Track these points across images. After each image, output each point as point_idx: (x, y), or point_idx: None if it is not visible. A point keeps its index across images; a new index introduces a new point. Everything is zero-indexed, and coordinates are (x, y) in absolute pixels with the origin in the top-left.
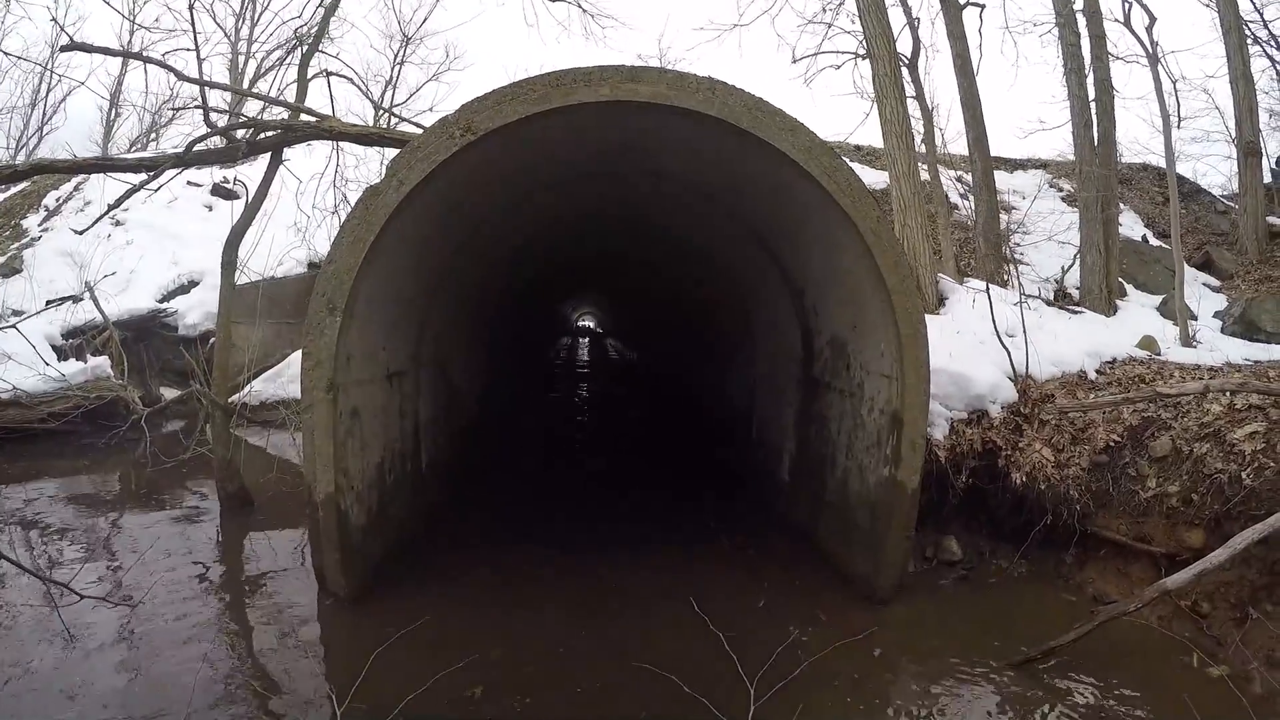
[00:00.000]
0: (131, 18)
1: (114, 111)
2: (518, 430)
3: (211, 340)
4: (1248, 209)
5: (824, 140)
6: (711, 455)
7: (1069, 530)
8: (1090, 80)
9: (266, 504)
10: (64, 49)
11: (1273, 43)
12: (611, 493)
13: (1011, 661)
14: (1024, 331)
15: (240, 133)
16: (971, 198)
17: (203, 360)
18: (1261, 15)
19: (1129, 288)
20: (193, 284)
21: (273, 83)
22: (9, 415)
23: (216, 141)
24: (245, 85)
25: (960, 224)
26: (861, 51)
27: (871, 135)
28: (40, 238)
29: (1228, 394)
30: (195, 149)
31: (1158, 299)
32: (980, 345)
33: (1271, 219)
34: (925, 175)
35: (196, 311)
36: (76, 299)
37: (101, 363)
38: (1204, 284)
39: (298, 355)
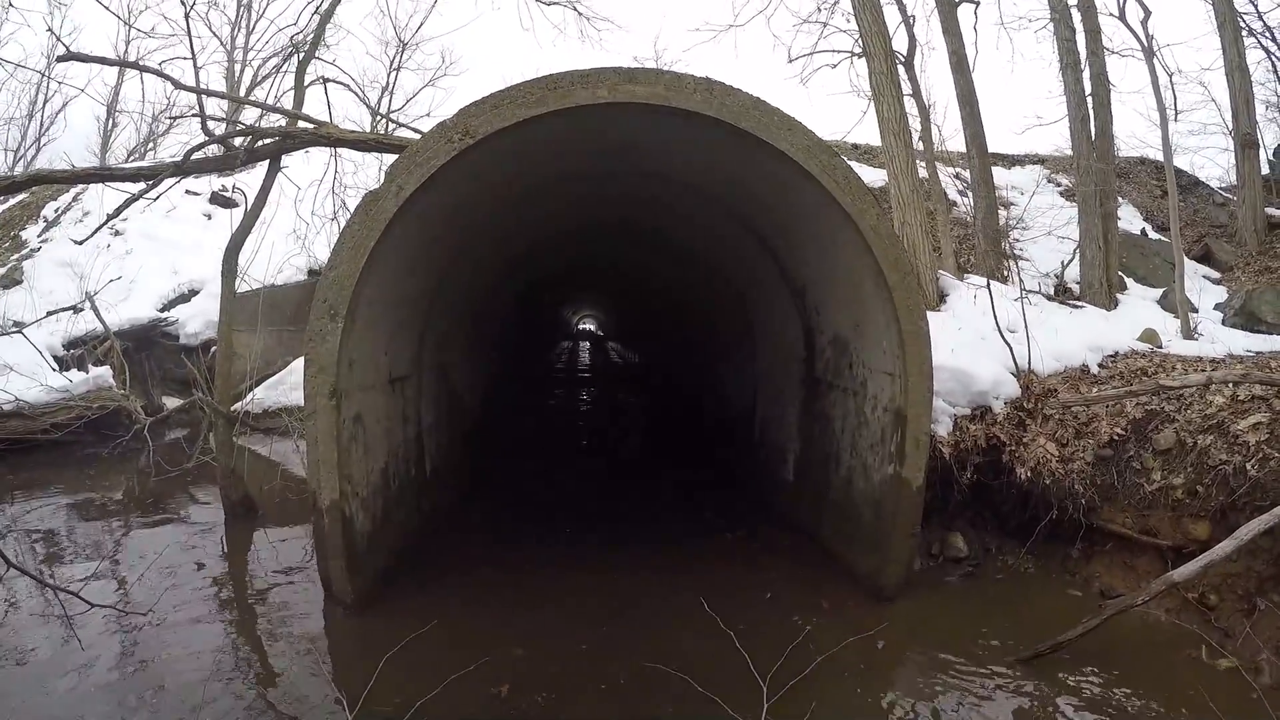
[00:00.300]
0: (129, 21)
1: (111, 121)
2: (520, 433)
3: (213, 348)
4: (1246, 201)
5: (822, 139)
6: (714, 456)
7: (1074, 525)
8: (1086, 75)
9: (271, 511)
10: (60, 59)
11: (1268, 35)
12: (615, 495)
13: (1020, 657)
14: (1025, 327)
15: (238, 140)
16: (970, 194)
17: (204, 368)
18: (1256, 7)
19: (1129, 281)
20: (193, 293)
21: (269, 90)
22: (12, 426)
23: (214, 150)
24: (242, 93)
25: (959, 221)
26: (857, 50)
27: (869, 133)
28: (40, 249)
29: (1230, 386)
30: (193, 157)
31: (1158, 292)
32: (982, 341)
33: (1270, 210)
34: (923, 172)
35: (197, 320)
36: (77, 309)
37: (103, 373)
38: (1204, 276)
39: (299, 362)
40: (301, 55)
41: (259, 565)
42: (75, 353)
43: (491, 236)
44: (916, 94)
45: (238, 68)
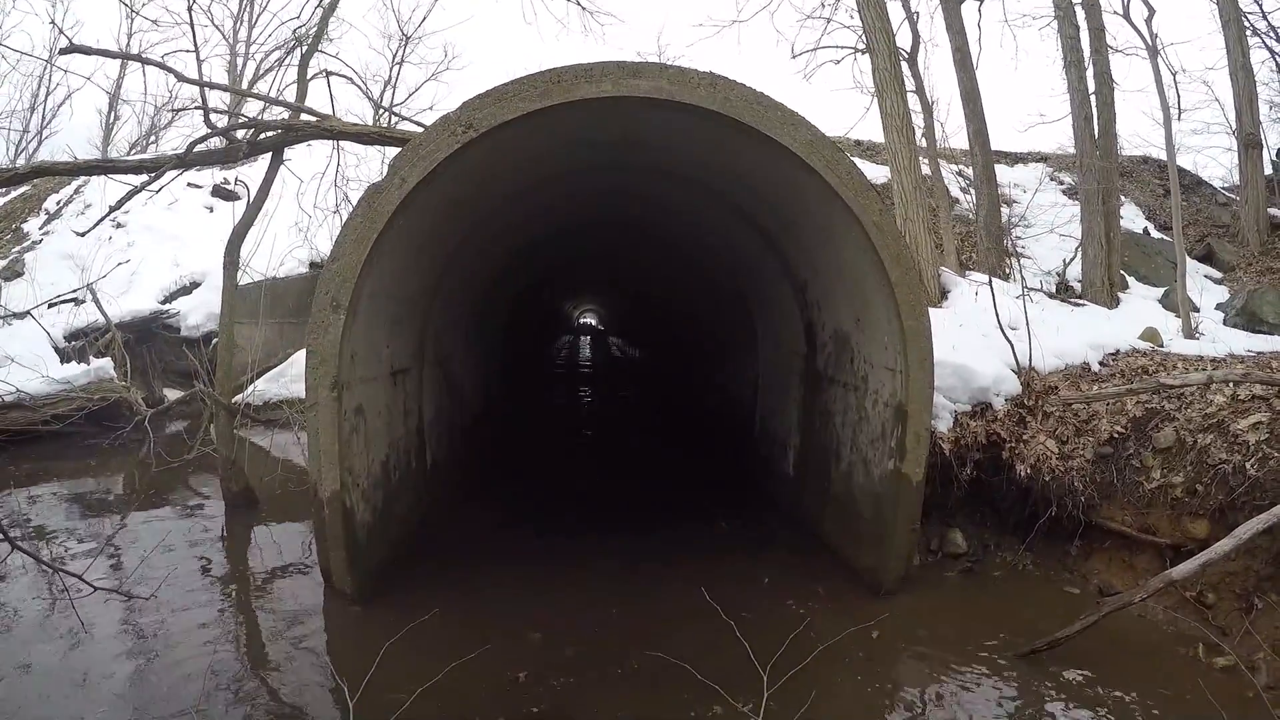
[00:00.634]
0: (132, 9)
1: (113, 114)
2: (521, 426)
3: (214, 341)
4: (1249, 201)
5: (825, 134)
6: (715, 450)
7: (1074, 522)
8: (1090, 73)
9: (271, 503)
10: (63, 51)
11: (1272, 34)
12: (615, 488)
13: (1018, 653)
14: (1027, 324)
15: (241, 133)
16: (972, 191)
17: (206, 361)
18: (1261, 7)
19: (1131, 280)
20: (194, 285)
21: (272, 83)
22: (13, 418)
23: (217, 142)
24: (244, 86)
25: (961, 218)
26: (861, 46)
27: (872, 130)
28: (41, 241)
29: (1231, 385)
30: (196, 150)
31: (1160, 291)
32: (983, 338)
33: (1273, 210)
34: (926, 169)
35: (199, 312)
36: (78, 301)
37: (104, 364)
38: (1205, 276)
39: (301, 355)
40: (304, 48)
41: (259, 556)
42: (76, 344)
43: (494, 230)
44: (920, 90)
45: (240, 61)
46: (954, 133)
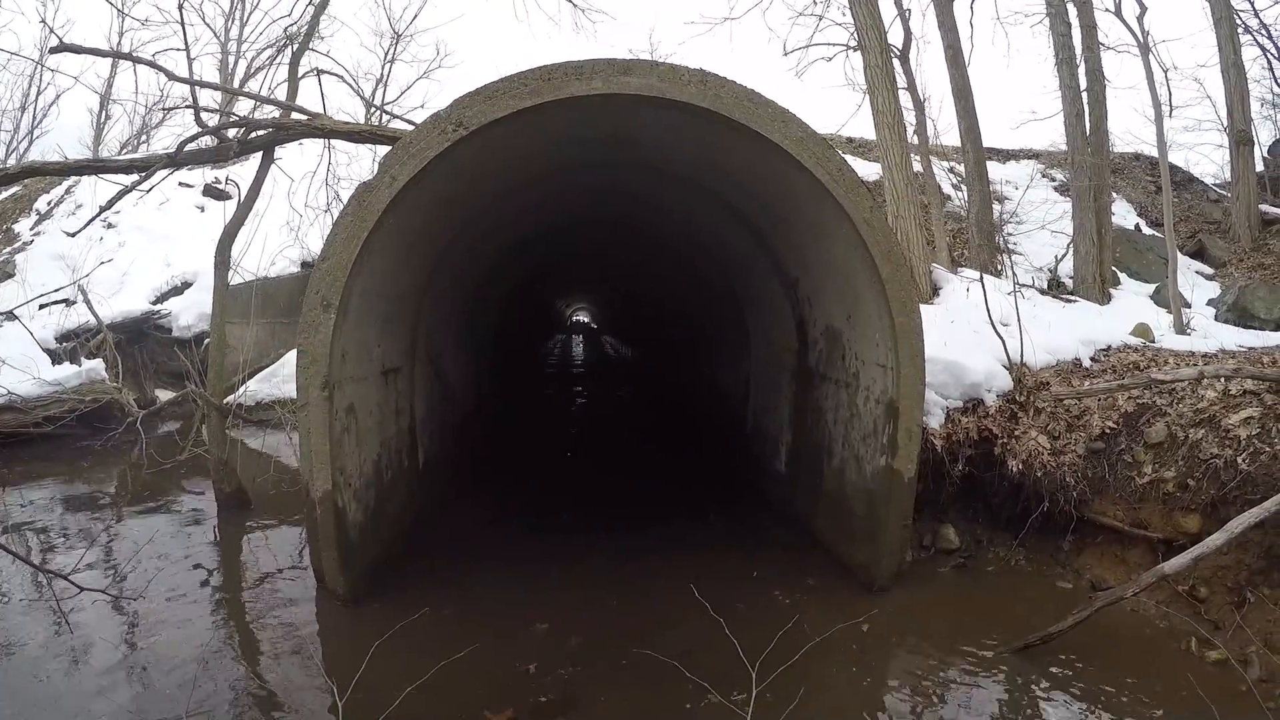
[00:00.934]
0: (122, 9)
1: (104, 114)
2: (513, 425)
3: (206, 341)
4: (1240, 197)
5: (816, 131)
6: (707, 447)
7: (1066, 517)
8: (1082, 70)
9: (264, 504)
10: (54, 50)
11: (1264, 32)
12: (607, 485)
13: (1011, 648)
14: (1018, 320)
15: (232, 132)
16: (964, 188)
17: (197, 361)
18: (1252, 4)
19: (1122, 276)
20: (186, 285)
21: (263, 82)
22: (4, 420)
23: (208, 141)
24: (236, 85)
25: (953, 214)
26: (853, 43)
27: (863, 127)
28: (32, 242)
29: (1222, 380)
30: (186, 149)
31: (1151, 287)
32: (975, 334)
33: (1264, 207)
34: (918, 166)
35: (190, 313)
36: (69, 302)
37: (96, 365)
38: (1197, 272)
39: (292, 355)
40: (295, 47)
41: (251, 556)
42: (67, 346)
43: (484, 228)
44: (912, 88)
45: (231, 59)
46: (946, 130)
